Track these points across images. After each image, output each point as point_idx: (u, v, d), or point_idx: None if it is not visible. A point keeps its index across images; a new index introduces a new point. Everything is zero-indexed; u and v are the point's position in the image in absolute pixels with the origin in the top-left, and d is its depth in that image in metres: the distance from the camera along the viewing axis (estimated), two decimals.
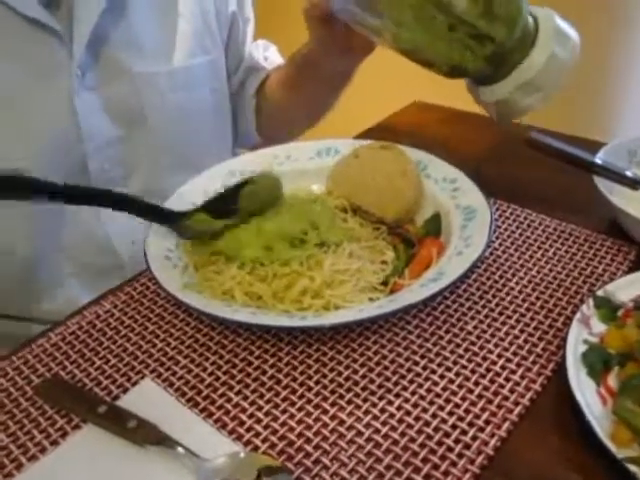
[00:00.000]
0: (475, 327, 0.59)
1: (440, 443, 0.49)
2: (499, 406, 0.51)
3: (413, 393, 0.53)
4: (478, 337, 0.58)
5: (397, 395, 0.53)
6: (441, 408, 0.52)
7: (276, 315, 0.58)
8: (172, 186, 0.73)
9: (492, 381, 0.54)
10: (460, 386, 0.53)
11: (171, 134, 0.87)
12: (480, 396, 0.52)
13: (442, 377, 0.54)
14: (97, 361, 0.59)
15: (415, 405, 0.52)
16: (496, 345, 0.57)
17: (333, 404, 0.53)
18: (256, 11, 1.02)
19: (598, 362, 0.52)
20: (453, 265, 0.59)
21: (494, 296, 0.62)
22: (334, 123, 1.07)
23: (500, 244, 0.69)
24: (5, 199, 0.60)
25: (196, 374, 0.57)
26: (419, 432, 0.50)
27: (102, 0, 0.76)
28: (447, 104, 1.02)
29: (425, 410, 0.52)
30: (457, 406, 0.52)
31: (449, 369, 0.55)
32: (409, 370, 0.55)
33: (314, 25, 0.78)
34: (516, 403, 0.52)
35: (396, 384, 0.54)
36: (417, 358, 0.56)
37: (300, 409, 0.53)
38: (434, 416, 0.51)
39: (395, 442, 0.49)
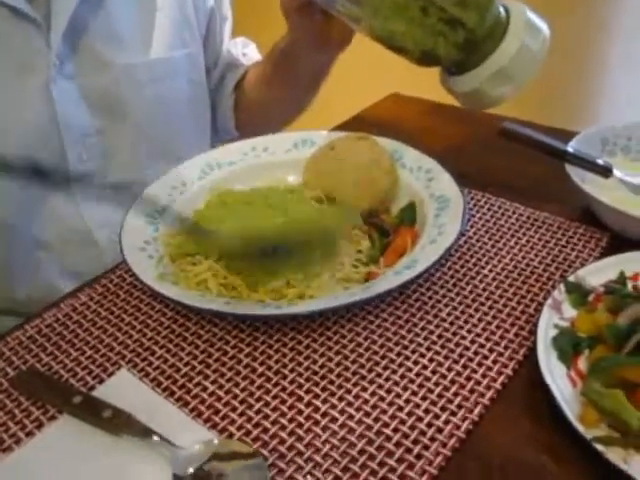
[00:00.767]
0: (449, 314, 0.60)
1: (413, 427, 0.49)
2: (471, 390, 0.52)
3: (387, 379, 0.54)
4: (451, 323, 0.59)
5: (371, 381, 0.54)
6: (414, 393, 0.52)
7: (251, 304, 0.58)
8: (152, 176, 0.73)
9: (465, 366, 0.54)
10: (433, 372, 0.54)
11: (150, 125, 0.87)
12: (453, 381, 0.53)
13: (416, 363, 0.55)
14: (73, 353, 0.59)
15: (389, 391, 0.53)
16: (469, 331, 0.58)
17: (308, 391, 0.53)
18: (236, 10, 1.03)
19: (568, 346, 0.53)
20: (426, 253, 0.60)
21: (468, 283, 0.63)
22: (313, 115, 1.07)
23: (474, 232, 0.70)
24: None
25: (172, 364, 0.57)
26: (392, 417, 0.50)
27: None
28: (424, 96, 1.03)
29: (399, 395, 0.52)
30: (430, 391, 0.52)
31: (423, 355, 0.56)
32: (383, 357, 0.56)
33: (292, 15, 0.78)
34: (488, 387, 0.52)
35: (370, 371, 0.55)
36: (391, 345, 0.57)
37: (275, 397, 0.53)
38: (407, 401, 0.52)
39: (369, 427, 0.50)
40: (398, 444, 0.48)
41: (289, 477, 0.47)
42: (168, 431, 0.49)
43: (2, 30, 0.73)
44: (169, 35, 0.88)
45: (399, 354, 0.56)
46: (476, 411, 0.50)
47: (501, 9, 0.65)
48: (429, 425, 0.49)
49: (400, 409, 0.51)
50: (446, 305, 0.61)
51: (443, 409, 0.51)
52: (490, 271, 0.65)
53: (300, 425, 0.50)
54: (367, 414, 0.51)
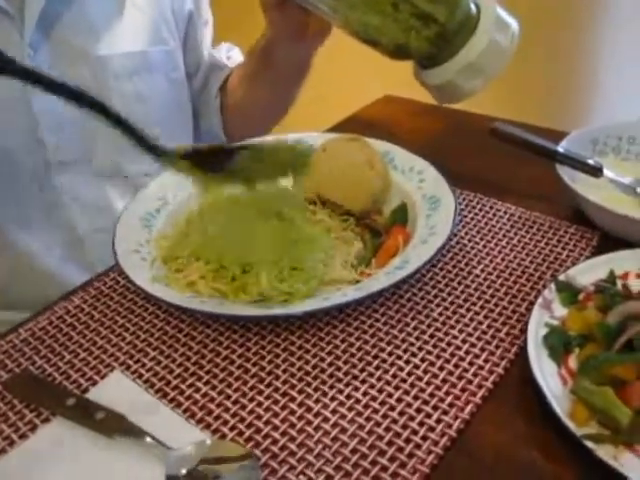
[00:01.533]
0: (440, 314, 0.60)
1: (405, 426, 0.50)
2: (463, 389, 0.52)
3: (379, 379, 0.54)
4: (443, 323, 0.59)
5: (363, 381, 0.54)
6: (406, 393, 0.52)
7: (243, 305, 0.58)
8: (134, 167, 0.74)
9: (456, 365, 0.55)
10: (425, 371, 0.54)
11: (129, 118, 0.87)
12: (445, 380, 0.53)
13: (408, 363, 0.55)
14: (67, 355, 0.59)
15: (381, 390, 0.53)
16: (461, 331, 0.58)
17: (300, 392, 0.53)
18: (220, 15, 1.03)
19: (559, 344, 0.53)
20: (418, 253, 0.60)
21: (459, 283, 0.64)
22: (306, 117, 1.07)
23: (466, 233, 0.70)
24: None
25: (165, 365, 0.57)
26: (384, 416, 0.51)
27: None
28: (416, 98, 1.03)
29: (390, 395, 0.52)
30: (422, 390, 0.53)
31: (415, 355, 0.56)
32: (375, 357, 0.56)
33: (271, 11, 0.79)
34: (479, 386, 0.53)
35: (362, 371, 0.55)
36: (383, 345, 0.57)
37: (268, 397, 0.53)
38: (399, 400, 0.52)
39: (361, 427, 0.50)
40: (390, 443, 0.49)
41: (282, 477, 0.47)
42: (161, 432, 0.49)
43: None
44: (146, 32, 0.89)
45: (391, 354, 0.56)
46: (468, 410, 0.51)
47: (472, 5, 0.67)
48: (421, 424, 0.50)
49: (392, 408, 0.51)
50: (438, 305, 0.61)
51: (435, 408, 0.51)
52: (482, 271, 0.65)
53: (292, 425, 0.51)
54: (359, 413, 0.51)
